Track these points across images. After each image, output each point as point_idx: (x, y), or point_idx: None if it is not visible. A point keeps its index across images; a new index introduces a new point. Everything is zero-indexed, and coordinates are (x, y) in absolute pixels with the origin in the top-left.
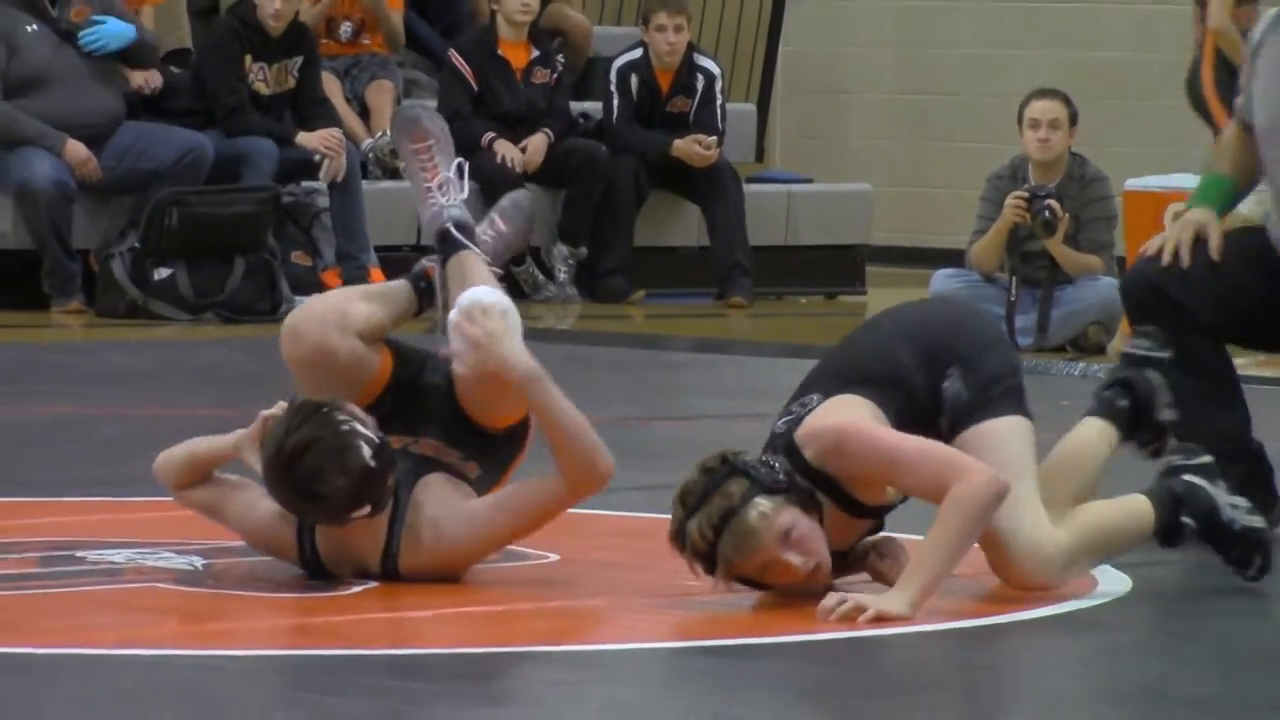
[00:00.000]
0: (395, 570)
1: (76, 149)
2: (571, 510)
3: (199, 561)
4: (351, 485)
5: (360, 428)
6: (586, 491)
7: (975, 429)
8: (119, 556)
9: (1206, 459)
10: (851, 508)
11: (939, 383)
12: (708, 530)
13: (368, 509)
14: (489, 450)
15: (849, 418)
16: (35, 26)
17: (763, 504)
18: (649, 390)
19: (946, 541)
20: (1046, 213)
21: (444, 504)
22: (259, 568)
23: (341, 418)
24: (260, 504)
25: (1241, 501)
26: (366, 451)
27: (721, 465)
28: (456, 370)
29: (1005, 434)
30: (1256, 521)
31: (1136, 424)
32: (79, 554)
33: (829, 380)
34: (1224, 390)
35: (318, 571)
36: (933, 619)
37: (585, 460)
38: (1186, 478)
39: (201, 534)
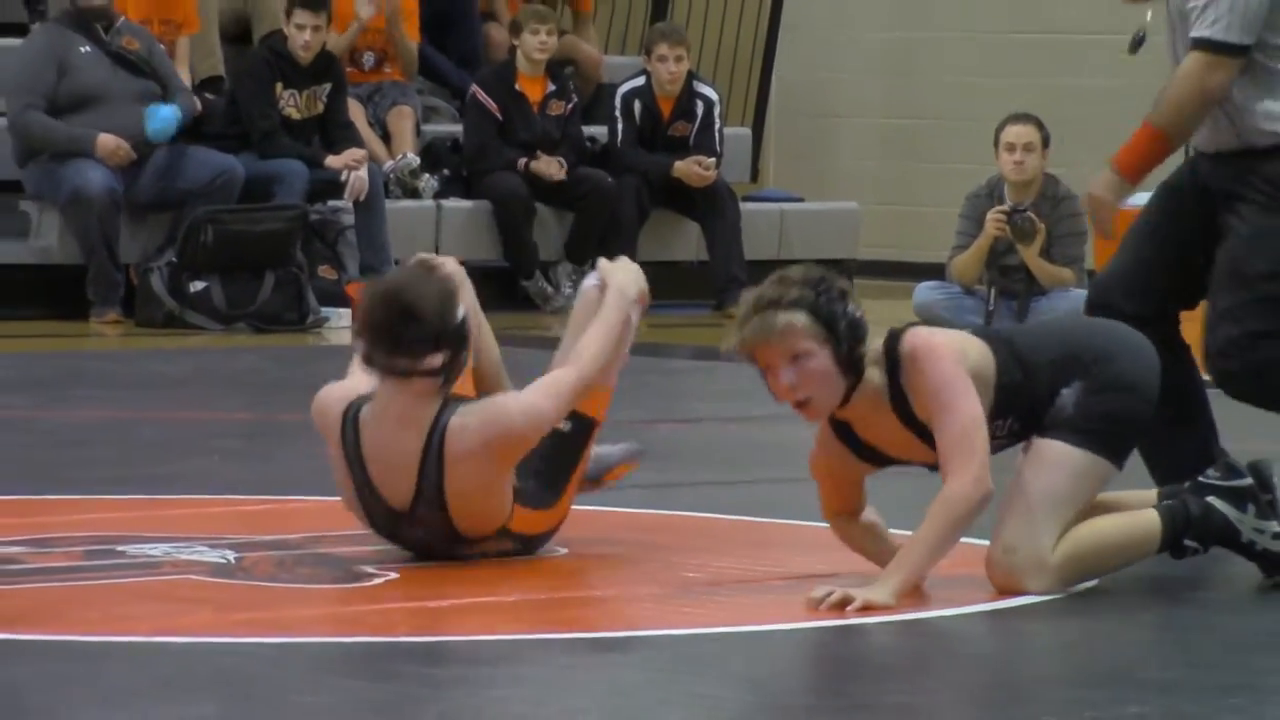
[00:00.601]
0: (438, 466)
1: (106, 140)
2: (578, 507)
3: (231, 555)
4: (442, 324)
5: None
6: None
7: (1054, 443)
8: (157, 550)
9: (1243, 483)
10: (899, 405)
11: (1060, 387)
12: (751, 304)
13: (440, 363)
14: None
15: (954, 349)
16: (88, 49)
17: (800, 319)
18: (652, 394)
19: (930, 537)
20: (1023, 221)
21: (486, 400)
22: (287, 561)
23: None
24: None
25: (1271, 526)
26: (462, 313)
27: (813, 274)
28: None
29: (1074, 464)
30: (1278, 547)
31: (1181, 550)
32: (119, 548)
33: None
34: (1185, 409)
35: (361, 484)
36: (916, 607)
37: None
38: (1209, 499)
39: (234, 530)
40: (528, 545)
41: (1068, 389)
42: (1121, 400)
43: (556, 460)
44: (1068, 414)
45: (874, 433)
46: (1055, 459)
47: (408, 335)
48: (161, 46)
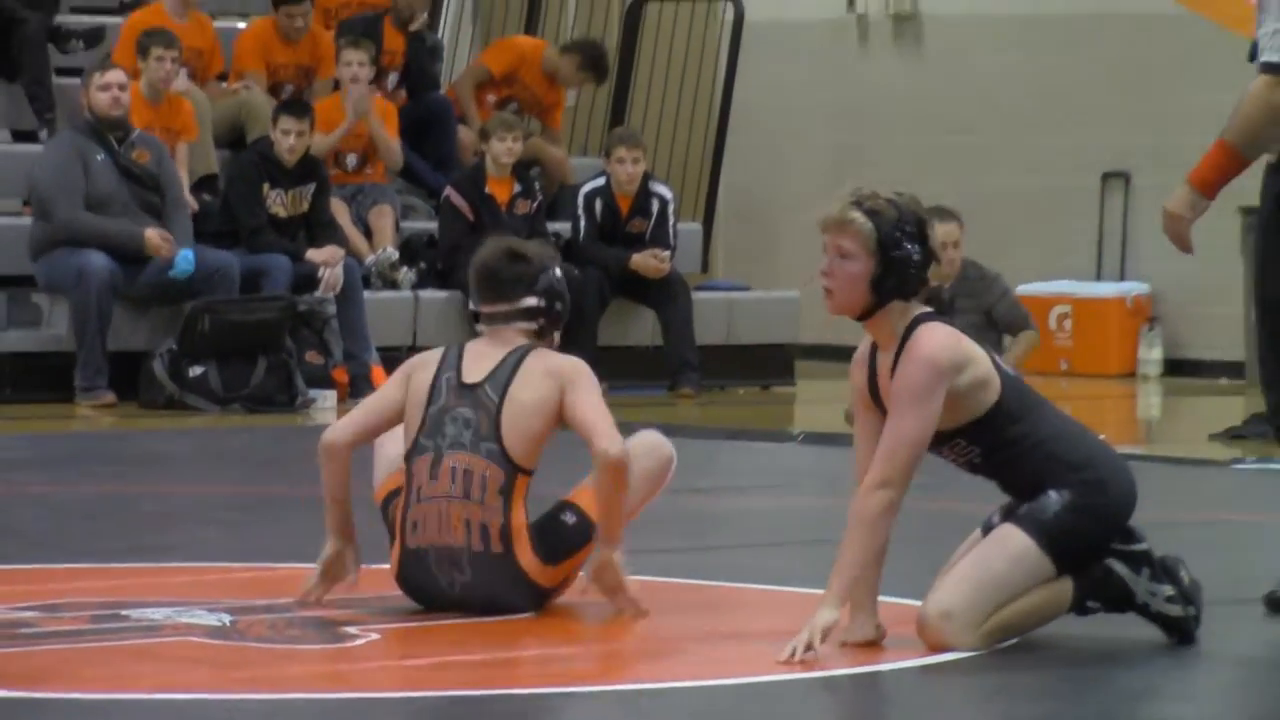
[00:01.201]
0: (515, 365)
1: (153, 235)
2: None
3: (227, 618)
4: (541, 268)
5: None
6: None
7: (1025, 538)
8: (158, 614)
9: (1139, 547)
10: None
11: (1049, 484)
12: (850, 191)
13: (535, 304)
14: None
15: (948, 362)
16: (102, 157)
17: (865, 227)
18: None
19: (848, 553)
20: (946, 295)
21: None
22: (278, 623)
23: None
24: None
25: (1162, 590)
26: (560, 276)
27: (912, 207)
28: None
29: (1032, 563)
30: (1173, 610)
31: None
32: (124, 612)
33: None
34: None
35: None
36: (857, 663)
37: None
38: (1109, 562)
39: (229, 594)
40: (516, 568)
41: (1055, 492)
42: (1095, 529)
43: (557, 542)
44: (1047, 517)
45: (883, 364)
46: (1019, 552)
47: (510, 273)
48: (172, 159)
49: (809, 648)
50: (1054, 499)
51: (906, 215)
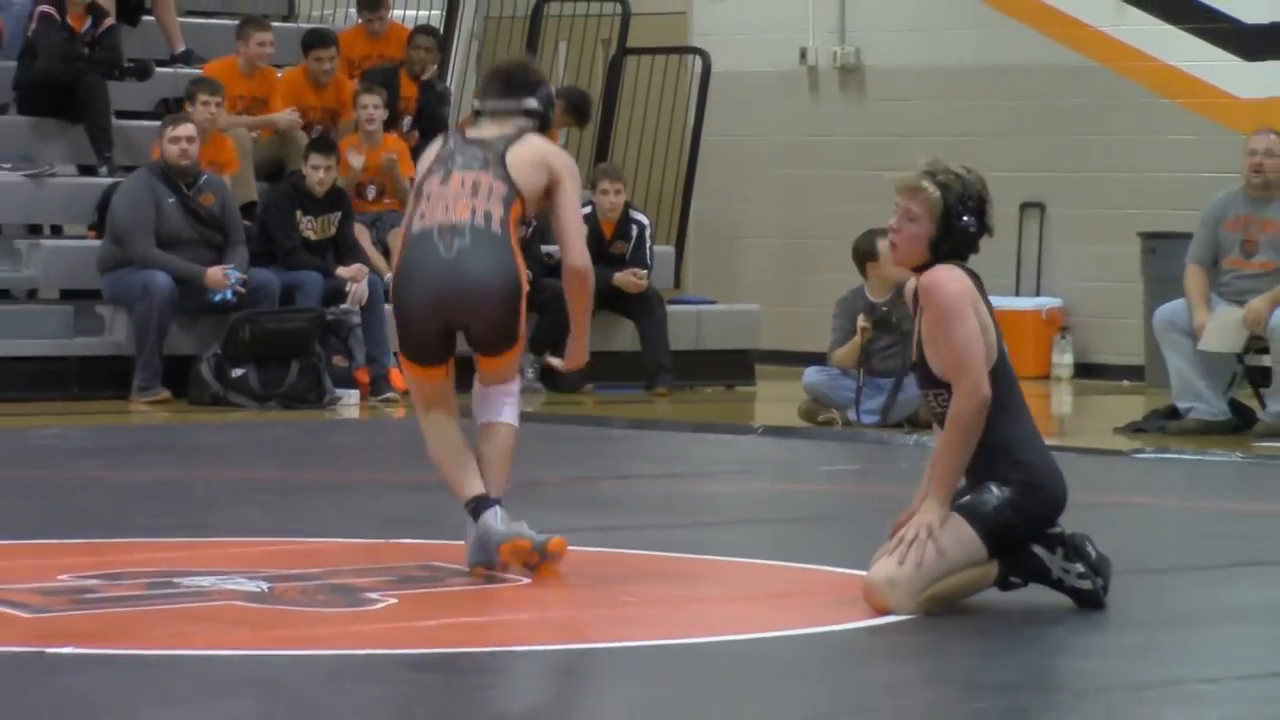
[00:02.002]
0: (516, 135)
1: (214, 272)
2: None
3: (265, 585)
4: (541, 79)
5: None
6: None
7: (966, 526)
8: (205, 582)
9: (1054, 530)
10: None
11: (992, 478)
12: (927, 161)
13: (534, 107)
14: None
15: (961, 287)
16: (172, 200)
17: (933, 195)
18: (596, 457)
19: (948, 451)
20: (883, 316)
21: None
22: (310, 589)
23: None
24: None
25: (1074, 567)
26: (553, 90)
27: (977, 185)
28: None
29: (970, 547)
30: (1083, 584)
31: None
32: (175, 580)
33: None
34: None
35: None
36: (813, 623)
37: None
38: (1030, 545)
39: (267, 565)
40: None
41: (997, 488)
42: (1024, 525)
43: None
44: (986, 510)
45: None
46: (960, 537)
47: (518, 77)
48: (234, 201)
49: (930, 535)
50: (994, 494)
51: (970, 190)
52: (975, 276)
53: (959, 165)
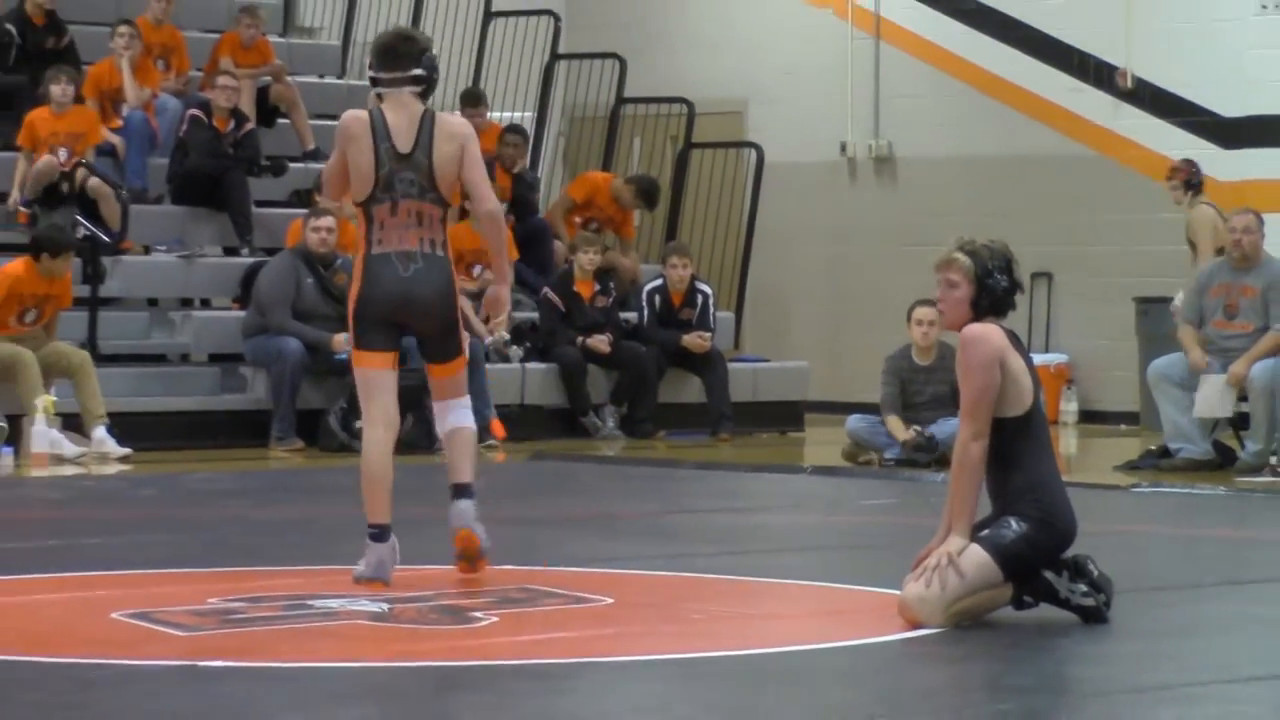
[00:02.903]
0: (430, 129)
1: (339, 338)
2: (616, 570)
3: (385, 606)
4: (424, 47)
5: None
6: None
7: (985, 555)
8: (334, 604)
9: (1062, 556)
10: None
11: (1012, 512)
12: (957, 240)
13: (421, 74)
14: None
15: (994, 349)
16: (310, 280)
17: (967, 263)
18: (667, 494)
19: (957, 490)
20: (925, 448)
21: None
22: (423, 610)
23: None
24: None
25: (1078, 587)
26: (435, 54)
27: (1001, 250)
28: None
29: (989, 573)
30: (1087, 602)
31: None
32: (308, 603)
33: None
34: None
35: (382, 140)
36: (857, 636)
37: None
38: (1041, 570)
39: (387, 589)
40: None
41: (1016, 521)
42: (1036, 556)
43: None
44: (1005, 542)
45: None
46: (980, 563)
47: (403, 49)
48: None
49: (950, 562)
50: (1013, 529)
51: (997, 255)
52: (1014, 336)
53: (984, 238)
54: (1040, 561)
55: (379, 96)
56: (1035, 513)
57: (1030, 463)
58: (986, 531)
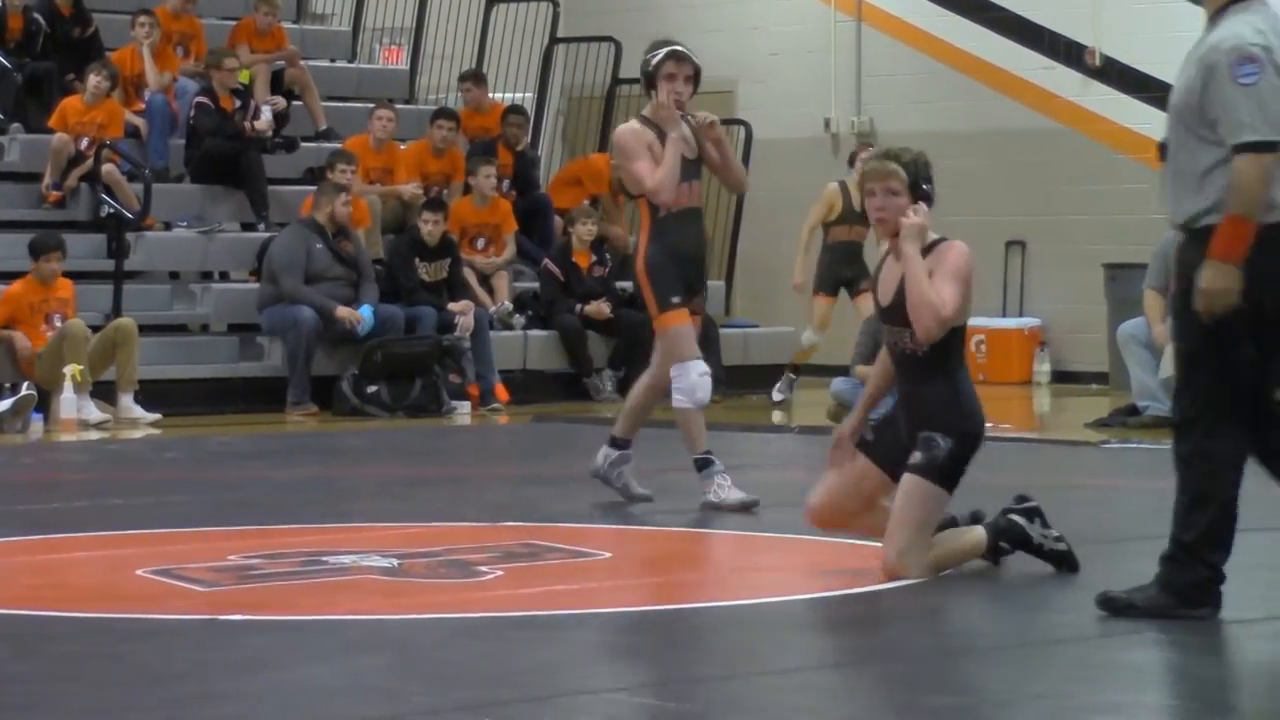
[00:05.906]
0: None
1: (343, 310)
2: (613, 527)
3: (395, 561)
4: None
5: None
6: None
7: (924, 483)
8: (347, 560)
9: (1031, 504)
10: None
11: (936, 429)
12: (879, 151)
13: None
14: None
15: (969, 264)
16: (320, 246)
17: (902, 173)
18: (663, 452)
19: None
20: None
21: None
22: (432, 564)
23: None
24: None
25: (1051, 533)
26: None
27: (913, 154)
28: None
29: (935, 498)
30: (1060, 545)
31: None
32: (323, 558)
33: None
34: None
35: None
36: (842, 587)
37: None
38: (1011, 516)
39: (397, 545)
40: None
41: (942, 439)
42: (962, 465)
43: None
44: (938, 463)
45: (891, 270)
46: (927, 494)
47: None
48: (365, 247)
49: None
50: (941, 446)
51: (921, 164)
52: None
53: (898, 147)
54: (965, 467)
55: None
56: (960, 427)
57: (962, 375)
58: (918, 458)
